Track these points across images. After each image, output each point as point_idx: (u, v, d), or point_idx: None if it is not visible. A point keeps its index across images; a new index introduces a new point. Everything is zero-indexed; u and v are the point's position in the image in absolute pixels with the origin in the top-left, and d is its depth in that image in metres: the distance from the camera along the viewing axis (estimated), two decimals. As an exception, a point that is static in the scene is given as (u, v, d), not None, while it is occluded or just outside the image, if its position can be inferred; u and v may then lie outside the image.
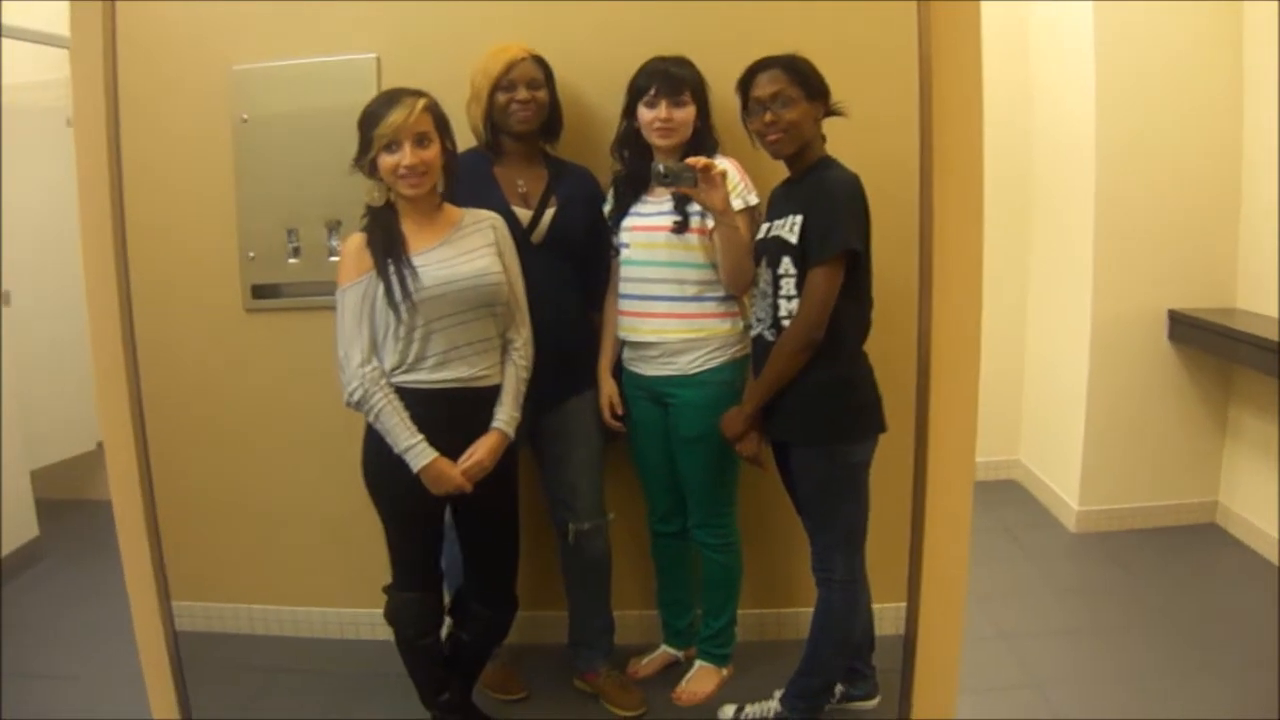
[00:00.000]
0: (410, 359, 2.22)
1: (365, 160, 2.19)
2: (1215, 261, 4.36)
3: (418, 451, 2.22)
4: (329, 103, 2.42)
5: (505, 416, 2.31)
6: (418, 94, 2.17)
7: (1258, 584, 3.92)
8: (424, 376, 2.24)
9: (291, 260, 2.52)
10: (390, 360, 2.23)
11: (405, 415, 2.22)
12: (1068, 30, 4.42)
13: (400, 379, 2.23)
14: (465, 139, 2.36)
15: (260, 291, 2.55)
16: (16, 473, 4.30)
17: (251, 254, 2.53)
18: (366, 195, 2.24)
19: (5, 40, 4.10)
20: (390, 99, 2.16)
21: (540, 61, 2.39)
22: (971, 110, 1.97)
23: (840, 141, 2.32)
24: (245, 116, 2.47)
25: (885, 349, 2.30)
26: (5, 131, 4.19)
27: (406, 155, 2.15)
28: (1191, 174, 4.30)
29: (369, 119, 2.16)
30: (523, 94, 2.37)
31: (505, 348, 2.34)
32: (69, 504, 4.71)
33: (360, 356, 2.21)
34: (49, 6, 3.58)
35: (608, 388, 2.58)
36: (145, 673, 2.32)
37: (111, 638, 3.17)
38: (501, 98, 2.38)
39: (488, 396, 2.31)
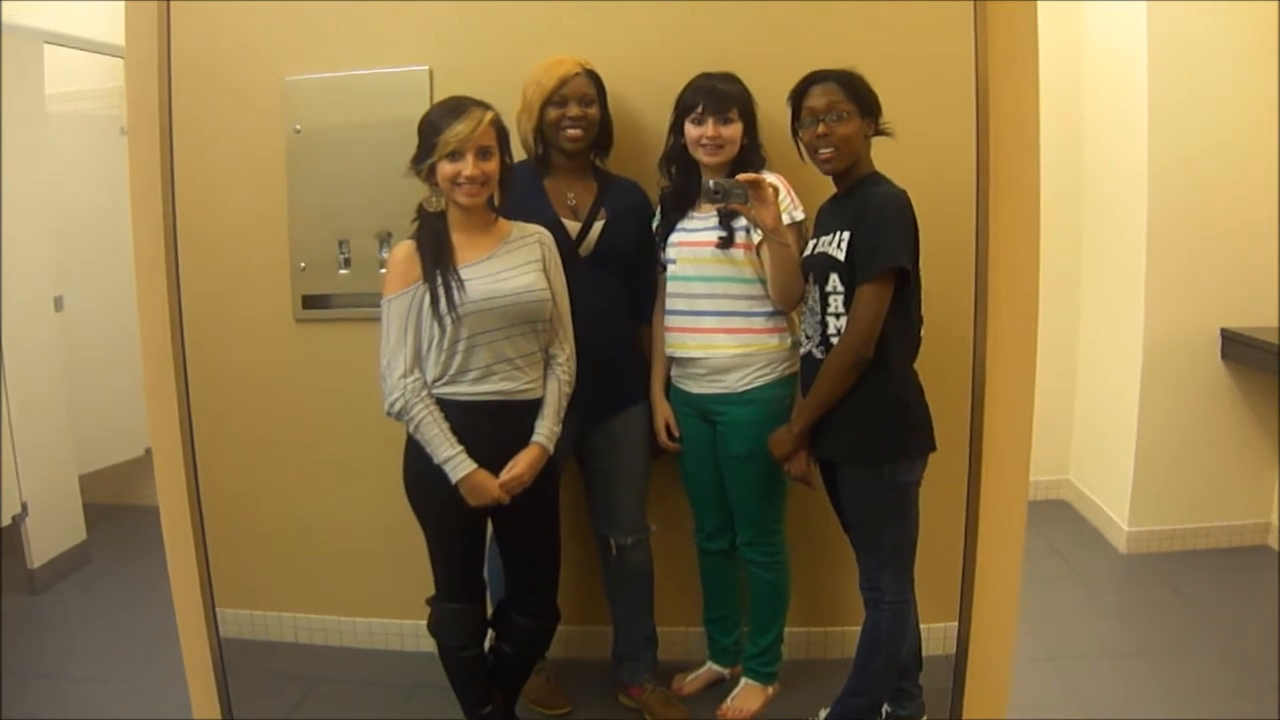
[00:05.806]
0: (453, 371, 2.22)
1: (424, 166, 2.19)
2: (1268, 280, 4.28)
3: (456, 463, 2.22)
4: (381, 114, 2.44)
5: (545, 430, 2.30)
6: (484, 106, 2.18)
7: (1311, 608, 3.84)
8: (465, 389, 2.23)
9: (342, 271, 2.53)
10: (432, 372, 2.23)
11: (445, 426, 2.22)
12: (1120, 48, 4.36)
13: (442, 391, 2.23)
14: (515, 150, 2.34)
15: (311, 302, 2.57)
16: (65, 477, 4.35)
17: (302, 264, 2.54)
18: (424, 199, 2.25)
19: (63, 49, 4.17)
20: (457, 108, 2.16)
21: (593, 76, 2.38)
22: (1028, 124, 1.94)
23: (892, 157, 2.30)
24: (298, 127, 2.49)
25: (937, 366, 2.27)
26: (62, 138, 4.25)
27: (469, 166, 2.15)
28: (1244, 191, 4.22)
29: (432, 126, 2.17)
30: (574, 110, 2.36)
31: (549, 362, 2.33)
32: (116, 509, 4.75)
33: (403, 367, 2.21)
34: (104, 15, 3.62)
35: (663, 409, 2.57)
36: (189, 678, 2.33)
37: (156, 643, 3.18)
38: (553, 113, 2.37)
39: (529, 409, 2.30)
